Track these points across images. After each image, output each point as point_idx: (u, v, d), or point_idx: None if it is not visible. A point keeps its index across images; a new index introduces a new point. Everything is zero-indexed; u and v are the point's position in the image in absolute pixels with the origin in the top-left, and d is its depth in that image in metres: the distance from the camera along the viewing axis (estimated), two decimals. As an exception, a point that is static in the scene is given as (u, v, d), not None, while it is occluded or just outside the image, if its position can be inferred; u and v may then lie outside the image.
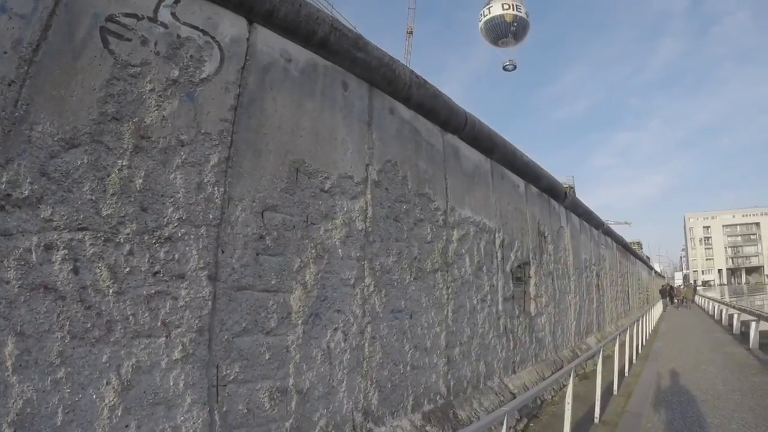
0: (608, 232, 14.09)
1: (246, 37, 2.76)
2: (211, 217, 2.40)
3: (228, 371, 2.37)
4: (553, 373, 6.05)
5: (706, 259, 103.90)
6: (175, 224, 2.24)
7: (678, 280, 68.06)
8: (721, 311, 16.76)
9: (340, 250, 3.11)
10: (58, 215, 1.86)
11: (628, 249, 19.12)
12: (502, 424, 2.43)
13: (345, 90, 3.49)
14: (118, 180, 2.04)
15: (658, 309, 20.95)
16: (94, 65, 2.02)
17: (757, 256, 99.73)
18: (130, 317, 2.01)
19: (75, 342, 1.85)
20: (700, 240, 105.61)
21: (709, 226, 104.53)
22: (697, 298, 30.25)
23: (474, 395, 4.48)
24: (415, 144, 4.18)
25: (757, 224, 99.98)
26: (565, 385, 4.01)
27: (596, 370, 5.33)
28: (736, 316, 13.65)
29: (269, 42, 2.91)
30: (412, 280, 3.79)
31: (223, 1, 2.61)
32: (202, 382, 2.23)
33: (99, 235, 1.96)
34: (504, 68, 49.96)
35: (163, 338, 2.11)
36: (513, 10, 43.31)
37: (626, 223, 60.86)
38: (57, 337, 1.80)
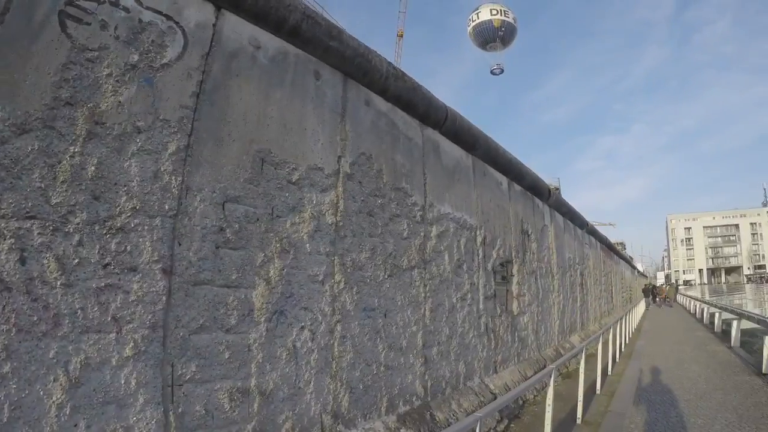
0: (592, 232, 14.17)
1: (213, 23, 2.65)
2: (167, 207, 2.28)
3: (184, 370, 2.26)
4: (536, 373, 5.97)
5: (687, 260, 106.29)
6: (128, 214, 2.13)
7: (660, 280, 69.22)
8: (703, 310, 17.00)
9: (308, 245, 2.96)
10: (6, 203, 1.78)
11: (611, 249, 19.30)
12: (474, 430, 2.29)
13: (317, 80, 3.36)
14: (70, 167, 1.95)
15: (641, 308, 21.19)
16: (50, 49, 1.94)
17: (736, 256, 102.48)
18: (79, 311, 1.92)
19: (21, 336, 1.76)
20: (682, 241, 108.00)
21: (690, 228, 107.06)
22: (678, 297, 30.77)
23: (453, 396, 4.36)
24: (392, 137, 4.05)
25: (736, 226, 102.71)
26: (547, 385, 3.90)
27: (579, 369, 5.26)
28: (717, 314, 13.83)
29: (237, 28, 2.80)
30: (387, 278, 3.65)
31: (188, -15, 2.48)
32: (155, 381, 2.13)
33: (47, 224, 1.88)
34: (492, 72, 51.02)
35: (114, 334, 2.02)
36: (501, 15, 44.58)
37: (611, 224, 61.81)
38: (2, 330, 1.72)
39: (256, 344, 2.60)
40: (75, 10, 2.04)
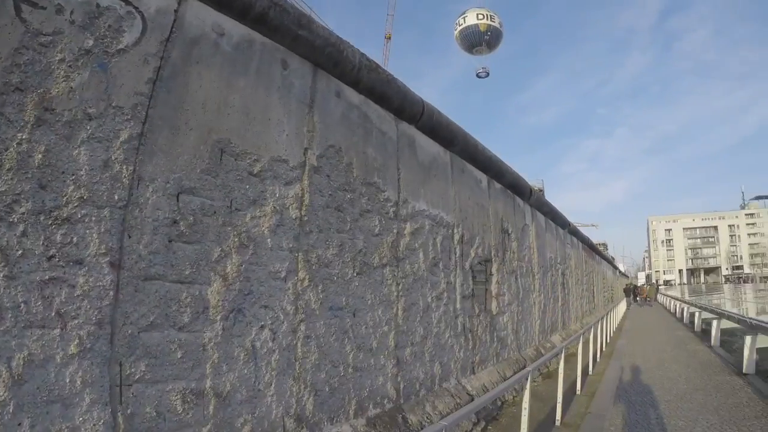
0: (574, 232, 14.26)
1: (174, 9, 2.54)
2: (116, 197, 2.16)
3: (133, 369, 2.14)
4: (515, 373, 5.89)
5: (668, 260, 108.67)
6: (75, 204, 2.02)
7: (641, 280, 70.37)
8: (683, 309, 17.22)
9: (269, 240, 2.82)
10: (-52, 191, 1.65)
11: (593, 249, 19.50)
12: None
13: (284, 69, 3.23)
14: (16, 155, 1.86)
15: (622, 307, 21.43)
16: (3, 34, 1.86)
17: (715, 257, 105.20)
18: (22, 305, 1.82)
19: (-38, 329, 1.65)
20: (662, 242, 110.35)
21: (671, 229, 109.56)
22: (659, 296, 31.30)
23: (427, 398, 4.24)
24: (364, 130, 3.93)
25: (715, 228, 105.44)
26: (524, 387, 3.81)
27: (559, 369, 5.20)
28: (697, 314, 14.02)
29: (200, 14, 2.68)
30: (356, 275, 3.51)
31: (149, -30, 2.37)
32: (102, 381, 2.02)
33: (-9, 213, 1.75)
34: (477, 75, 51.87)
35: (58, 330, 1.92)
36: (487, 20, 45.36)
37: (593, 225, 62.85)
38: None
39: (212, 343, 2.45)
40: (31, -6, 1.96)
